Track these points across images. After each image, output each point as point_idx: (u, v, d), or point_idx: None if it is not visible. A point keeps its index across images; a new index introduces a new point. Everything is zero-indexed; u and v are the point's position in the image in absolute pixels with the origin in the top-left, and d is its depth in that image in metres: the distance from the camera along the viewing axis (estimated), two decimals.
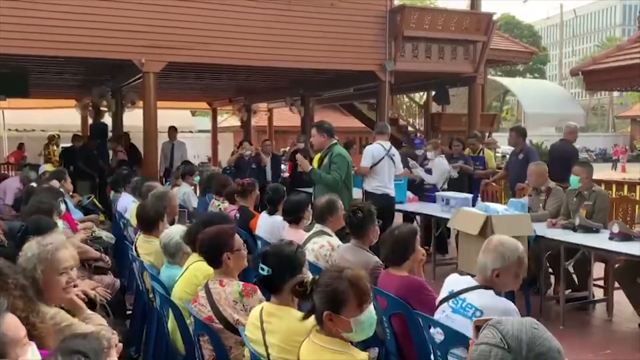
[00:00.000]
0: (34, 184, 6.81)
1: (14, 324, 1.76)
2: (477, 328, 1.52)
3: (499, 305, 2.73)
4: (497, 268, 2.75)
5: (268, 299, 2.75)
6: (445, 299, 2.90)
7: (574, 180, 5.73)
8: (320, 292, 2.19)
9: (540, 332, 1.37)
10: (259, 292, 2.94)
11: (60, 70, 10.40)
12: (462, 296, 2.82)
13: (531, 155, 7.55)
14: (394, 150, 6.82)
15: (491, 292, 2.78)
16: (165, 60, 8.45)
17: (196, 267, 3.38)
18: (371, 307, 2.21)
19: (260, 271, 2.66)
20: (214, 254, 3.09)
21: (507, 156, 10.29)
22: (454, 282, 2.95)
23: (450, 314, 2.84)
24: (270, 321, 2.56)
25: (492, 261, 2.76)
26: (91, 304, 3.23)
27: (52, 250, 2.58)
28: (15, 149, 17.93)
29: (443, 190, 7.69)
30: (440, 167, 8.08)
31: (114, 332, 2.55)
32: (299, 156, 6.10)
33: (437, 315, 2.93)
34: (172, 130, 11.85)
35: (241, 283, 3.04)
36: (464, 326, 2.72)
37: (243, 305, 2.92)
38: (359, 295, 2.16)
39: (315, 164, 6.12)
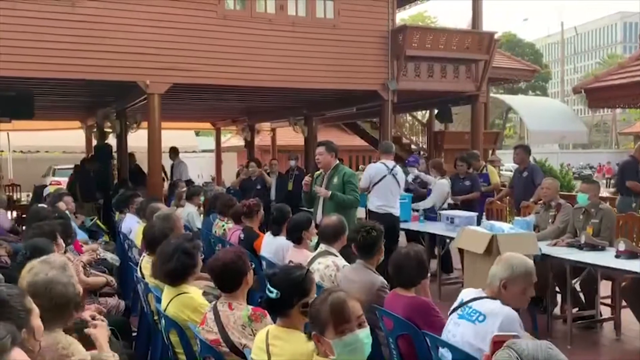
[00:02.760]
0: (43, 205, 6.83)
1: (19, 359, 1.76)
2: (495, 343, 1.52)
3: (502, 311, 2.79)
4: (504, 278, 2.84)
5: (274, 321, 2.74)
6: (455, 309, 3.00)
7: (583, 197, 5.69)
8: (309, 313, 2.29)
9: (555, 352, 1.40)
10: (268, 317, 2.91)
11: (65, 93, 10.47)
12: (470, 304, 2.92)
13: (535, 173, 7.57)
14: (397, 169, 6.79)
15: (498, 301, 2.85)
16: (169, 81, 8.51)
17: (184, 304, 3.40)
18: (358, 332, 2.20)
19: (269, 294, 2.63)
20: (236, 279, 3.09)
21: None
22: (465, 293, 3.05)
23: (456, 320, 2.94)
24: (275, 344, 2.54)
25: (501, 271, 2.87)
26: None
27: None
28: (21, 170, 17.96)
29: (443, 209, 7.64)
30: (439, 189, 7.98)
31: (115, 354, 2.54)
32: (318, 188, 6.01)
33: (447, 324, 3.01)
34: (173, 151, 11.94)
35: (250, 307, 3.02)
36: (468, 331, 2.81)
37: (252, 330, 2.89)
38: (337, 320, 2.19)
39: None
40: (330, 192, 5.83)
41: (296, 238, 4.72)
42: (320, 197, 5.99)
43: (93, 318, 2.99)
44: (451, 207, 7.86)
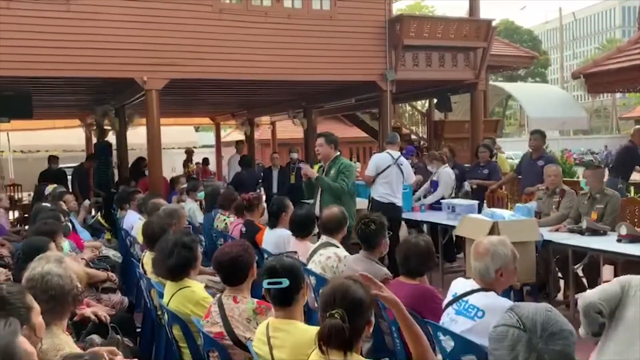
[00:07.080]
0: (45, 204, 6.83)
1: (25, 347, 1.77)
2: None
3: (501, 305, 2.76)
4: (499, 268, 2.83)
5: None
6: (450, 303, 2.97)
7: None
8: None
9: (554, 315, 1.52)
10: (273, 310, 2.88)
11: (63, 91, 10.46)
12: (465, 298, 2.89)
13: (552, 162, 7.33)
14: (402, 160, 6.87)
15: (492, 293, 2.85)
16: (167, 77, 8.48)
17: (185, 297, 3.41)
18: None
19: (274, 285, 2.58)
20: (243, 272, 3.09)
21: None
22: (458, 285, 3.01)
23: (453, 315, 2.91)
24: (277, 336, 2.54)
25: (492, 263, 2.82)
26: (103, 326, 3.23)
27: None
28: (22, 170, 17.90)
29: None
30: (445, 179, 7.95)
31: (119, 352, 2.54)
32: (305, 165, 6.07)
33: (442, 318, 2.98)
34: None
35: (255, 300, 3.03)
36: (467, 327, 2.79)
37: (257, 324, 2.88)
38: None
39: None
40: (316, 174, 5.87)
41: (306, 233, 4.73)
42: (318, 189, 6.01)
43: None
44: (468, 193, 7.94)
